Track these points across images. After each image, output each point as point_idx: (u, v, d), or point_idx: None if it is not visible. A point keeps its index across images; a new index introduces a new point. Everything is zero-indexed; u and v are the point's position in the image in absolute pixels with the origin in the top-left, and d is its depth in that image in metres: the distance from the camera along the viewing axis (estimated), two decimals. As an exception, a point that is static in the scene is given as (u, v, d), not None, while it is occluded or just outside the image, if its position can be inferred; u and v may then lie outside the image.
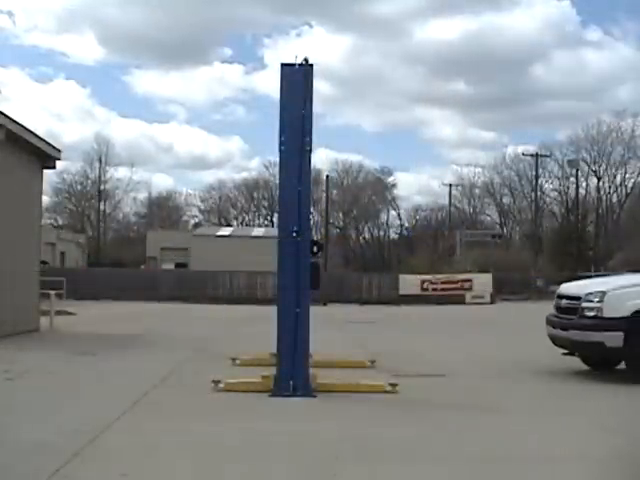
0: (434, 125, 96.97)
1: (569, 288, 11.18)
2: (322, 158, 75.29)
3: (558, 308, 11.01)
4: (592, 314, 10.11)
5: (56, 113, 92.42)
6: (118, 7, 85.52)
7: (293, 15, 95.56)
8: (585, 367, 11.13)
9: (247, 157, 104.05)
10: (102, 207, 67.47)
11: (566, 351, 10.96)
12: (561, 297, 11.03)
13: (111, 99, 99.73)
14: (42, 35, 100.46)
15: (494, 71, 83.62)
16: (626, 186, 59.98)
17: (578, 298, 10.46)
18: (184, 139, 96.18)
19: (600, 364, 10.86)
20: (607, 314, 9.97)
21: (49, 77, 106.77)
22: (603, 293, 10.15)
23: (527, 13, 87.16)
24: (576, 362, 11.01)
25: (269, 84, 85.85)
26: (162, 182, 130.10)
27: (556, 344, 10.90)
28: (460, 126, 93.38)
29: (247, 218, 76.23)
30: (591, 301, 10.18)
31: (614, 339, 9.81)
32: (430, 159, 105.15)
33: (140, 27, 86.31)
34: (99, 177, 66.03)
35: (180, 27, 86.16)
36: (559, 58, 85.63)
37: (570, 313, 10.58)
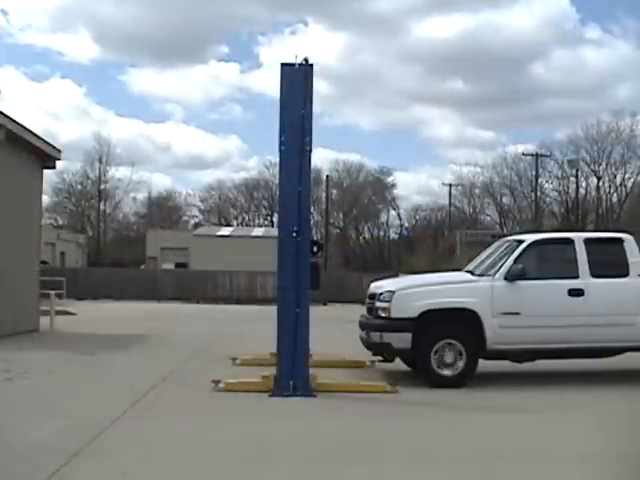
0: (432, 124, 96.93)
1: (372, 287, 10.75)
2: (322, 158, 75.39)
3: (367, 309, 10.68)
4: (383, 314, 9.94)
5: (52, 112, 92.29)
6: (112, 5, 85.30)
7: (289, 13, 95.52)
8: None
9: (245, 156, 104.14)
10: (102, 207, 67.49)
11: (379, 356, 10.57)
12: (368, 297, 10.69)
13: (107, 98, 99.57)
14: (37, 34, 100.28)
15: (492, 69, 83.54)
16: (626, 186, 59.98)
17: (374, 297, 10.27)
18: (181, 138, 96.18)
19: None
20: (395, 314, 9.79)
21: (45, 76, 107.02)
22: (392, 293, 9.94)
23: (526, 10, 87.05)
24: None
25: (265, 83, 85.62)
26: (160, 182, 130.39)
27: (365, 347, 10.49)
28: (458, 125, 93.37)
29: (247, 218, 76.24)
30: (382, 301, 10.00)
31: (402, 340, 9.64)
32: (429, 159, 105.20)
33: (135, 25, 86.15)
34: (99, 177, 66.05)
35: (175, 25, 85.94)
36: (558, 56, 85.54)
37: (370, 313, 10.38)
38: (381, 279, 11.30)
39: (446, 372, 9.63)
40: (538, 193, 55.50)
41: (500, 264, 10.16)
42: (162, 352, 13.34)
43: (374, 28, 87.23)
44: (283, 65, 9.09)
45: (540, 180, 56.57)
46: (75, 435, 6.61)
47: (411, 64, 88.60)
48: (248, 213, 77.17)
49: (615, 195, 61.09)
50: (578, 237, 10.41)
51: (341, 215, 73.79)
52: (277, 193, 10.94)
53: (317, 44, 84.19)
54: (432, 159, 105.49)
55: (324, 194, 58.78)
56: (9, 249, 15.38)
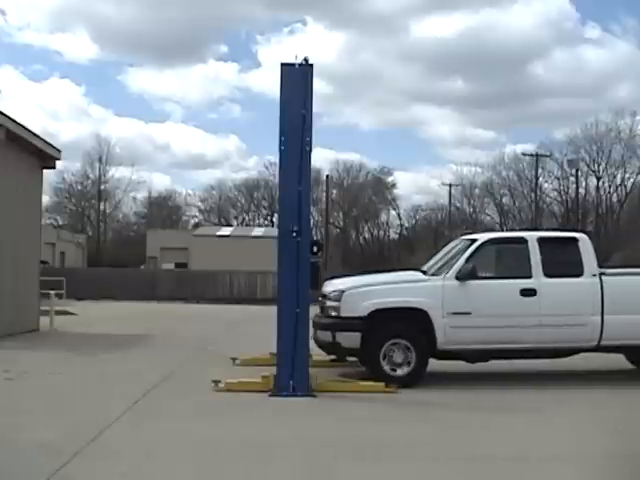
0: (432, 124, 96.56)
1: (325, 286, 10.63)
2: (322, 158, 75.37)
3: (319, 308, 10.53)
4: (333, 314, 9.91)
5: (51, 112, 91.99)
6: (111, 4, 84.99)
7: (288, 12, 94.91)
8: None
9: (244, 156, 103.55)
10: (102, 207, 67.47)
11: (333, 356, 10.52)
12: (321, 295, 10.54)
13: (106, 98, 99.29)
14: (35, 33, 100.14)
15: (492, 69, 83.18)
16: (626, 186, 59.94)
17: (326, 296, 10.23)
18: (180, 138, 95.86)
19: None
20: (344, 313, 9.75)
21: (43, 75, 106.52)
22: (341, 292, 9.90)
23: (525, 10, 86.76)
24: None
25: (265, 82, 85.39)
26: (159, 181, 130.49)
27: (317, 346, 10.26)
28: (458, 125, 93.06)
29: (247, 218, 76.16)
30: (332, 300, 9.97)
31: (351, 339, 9.60)
32: (428, 158, 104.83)
33: (133, 24, 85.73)
34: (99, 177, 66.04)
35: (173, 24, 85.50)
36: (558, 56, 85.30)
37: (322, 312, 10.33)
38: (337, 277, 11.18)
39: (396, 372, 9.55)
40: (538, 193, 55.50)
41: (452, 263, 10.11)
42: (162, 352, 13.34)
43: (374, 27, 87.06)
44: (283, 65, 9.09)
45: (540, 180, 56.62)
46: (75, 435, 6.62)
47: (411, 63, 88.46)
48: (248, 213, 77.13)
49: (615, 195, 61.04)
50: (532, 236, 10.34)
51: (341, 215, 73.74)
52: (277, 193, 10.93)
53: (316, 43, 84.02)
54: (432, 159, 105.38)
55: (324, 194, 58.78)
56: (9, 249, 15.38)
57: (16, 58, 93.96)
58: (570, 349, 10.12)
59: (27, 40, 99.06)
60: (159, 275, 41.90)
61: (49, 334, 16.65)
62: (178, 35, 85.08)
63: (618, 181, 60.27)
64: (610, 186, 60.66)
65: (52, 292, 19.09)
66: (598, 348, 10.07)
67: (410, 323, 9.71)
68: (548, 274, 9.94)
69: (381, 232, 77.13)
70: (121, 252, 61.50)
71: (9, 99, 74.13)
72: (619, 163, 59.67)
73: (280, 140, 9.01)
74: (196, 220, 76.73)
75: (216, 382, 9.09)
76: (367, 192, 74.46)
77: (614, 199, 61.08)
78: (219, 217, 76.21)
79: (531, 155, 55.96)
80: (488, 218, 68.70)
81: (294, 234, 8.83)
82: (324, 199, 58.86)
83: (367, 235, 77.54)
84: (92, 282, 36.59)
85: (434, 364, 10.86)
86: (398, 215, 75.59)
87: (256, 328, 17.38)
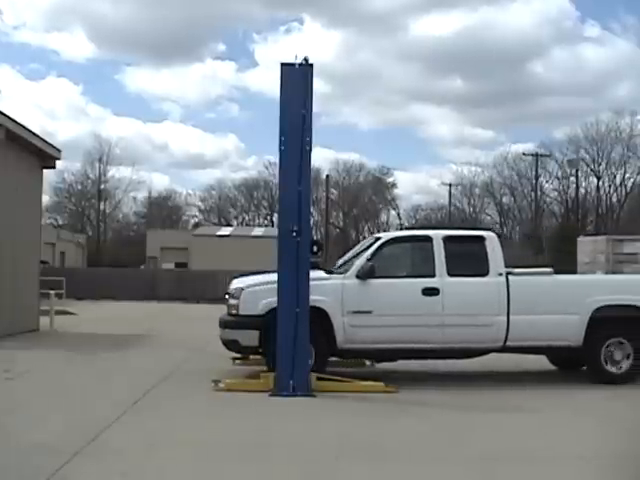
0: (431, 123, 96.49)
1: (231, 284, 10.58)
2: (322, 158, 75.36)
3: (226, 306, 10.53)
4: (234, 311, 9.92)
5: (49, 111, 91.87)
6: (107, 3, 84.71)
7: (286, 10, 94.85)
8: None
9: (243, 156, 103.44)
10: (102, 207, 67.47)
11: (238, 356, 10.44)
12: (226, 293, 10.56)
13: (104, 97, 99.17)
14: (31, 32, 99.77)
15: (491, 68, 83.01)
16: (626, 186, 59.93)
17: (229, 294, 10.24)
18: (179, 138, 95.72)
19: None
20: (243, 311, 9.76)
21: (41, 75, 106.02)
22: (241, 290, 9.90)
23: (525, 8, 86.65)
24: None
25: (263, 81, 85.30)
26: (158, 181, 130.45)
27: (222, 344, 10.28)
28: (457, 124, 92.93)
29: (247, 218, 76.18)
30: (233, 298, 9.97)
31: (249, 337, 9.60)
32: (428, 158, 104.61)
33: (130, 23, 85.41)
34: (99, 177, 66.04)
35: (170, 23, 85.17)
36: (557, 55, 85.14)
37: (227, 310, 10.32)
38: (245, 275, 11.13)
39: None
40: (538, 193, 55.50)
41: (354, 261, 10.05)
42: (162, 352, 13.34)
43: (372, 26, 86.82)
44: (283, 65, 9.10)
45: (540, 180, 56.58)
46: (75, 435, 6.62)
47: (409, 62, 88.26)
48: (248, 213, 77.14)
49: (615, 195, 61.03)
50: (437, 235, 10.22)
51: (341, 215, 73.75)
52: (277, 193, 10.92)
53: (314, 42, 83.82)
54: (431, 158, 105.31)
55: (324, 194, 58.80)
56: (9, 249, 15.38)
57: (13, 57, 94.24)
58: (476, 349, 9.98)
59: (24, 39, 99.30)
60: (159, 275, 41.87)
61: (49, 334, 16.65)
62: (175, 34, 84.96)
63: (618, 181, 60.29)
64: (610, 186, 60.67)
65: (52, 292, 19.09)
66: (504, 349, 9.97)
67: (309, 322, 9.59)
68: (452, 273, 9.82)
69: (381, 232, 77.09)
70: (121, 252, 61.47)
71: (7, 98, 74.22)
72: (619, 163, 59.70)
73: (280, 140, 9.01)
74: (196, 220, 76.76)
75: (216, 382, 9.09)
76: (367, 192, 74.47)
77: (614, 199, 61.09)
78: (219, 217, 76.21)
79: (531, 155, 55.94)
80: (488, 218, 68.70)
81: (294, 234, 8.83)
82: (324, 199, 58.89)
83: (367, 235, 77.57)
84: (92, 282, 36.55)
85: (434, 364, 10.88)
86: (398, 215, 75.64)
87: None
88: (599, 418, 7.95)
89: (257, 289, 9.87)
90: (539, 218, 56.15)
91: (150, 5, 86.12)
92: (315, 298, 9.37)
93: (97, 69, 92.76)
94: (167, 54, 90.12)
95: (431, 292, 9.70)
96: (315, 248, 9.42)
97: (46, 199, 56.33)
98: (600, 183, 60.46)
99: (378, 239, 10.39)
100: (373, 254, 9.91)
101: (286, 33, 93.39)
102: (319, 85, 76.62)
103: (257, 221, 74.95)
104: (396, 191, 75.90)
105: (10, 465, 5.68)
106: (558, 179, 61.60)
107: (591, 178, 60.59)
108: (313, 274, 10.13)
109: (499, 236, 10.65)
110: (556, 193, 62.48)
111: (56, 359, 11.96)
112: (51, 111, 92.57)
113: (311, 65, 9.03)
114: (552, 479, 5.81)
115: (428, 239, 10.12)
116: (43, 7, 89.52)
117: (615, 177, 60.38)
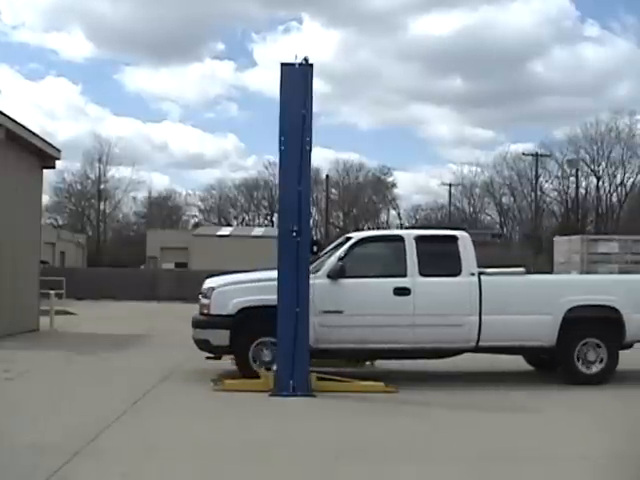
0: (431, 123, 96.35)
1: (204, 283, 10.57)
2: (321, 158, 75.37)
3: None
4: (205, 311, 9.93)
5: (48, 111, 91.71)
6: (105, 2, 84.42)
7: (284, 9, 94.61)
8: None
9: (243, 155, 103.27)
10: (102, 207, 67.46)
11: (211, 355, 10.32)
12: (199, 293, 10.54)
13: (103, 97, 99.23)
14: (30, 32, 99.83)
15: (491, 67, 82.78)
16: (626, 186, 59.94)
17: (201, 294, 10.24)
18: (178, 137, 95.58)
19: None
20: (214, 311, 9.76)
21: (40, 74, 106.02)
22: (212, 290, 9.90)
23: (524, 8, 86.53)
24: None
25: (262, 81, 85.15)
26: (158, 181, 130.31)
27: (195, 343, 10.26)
28: (457, 124, 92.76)
29: (247, 218, 76.18)
30: (204, 297, 9.98)
31: (220, 337, 9.59)
32: (428, 158, 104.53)
33: (128, 23, 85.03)
34: (99, 177, 66.03)
35: (169, 22, 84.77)
36: (557, 54, 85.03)
37: (199, 310, 10.31)
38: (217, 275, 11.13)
39: (265, 370, 9.41)
40: (538, 193, 55.49)
41: (326, 261, 10.01)
42: (162, 352, 13.33)
43: (371, 25, 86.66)
44: (283, 65, 9.10)
45: (540, 180, 56.58)
46: (75, 435, 6.61)
47: (409, 62, 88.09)
48: (248, 213, 77.12)
49: (615, 195, 61.04)
50: (409, 234, 10.20)
51: (341, 215, 73.75)
52: (277, 193, 10.92)
53: (313, 42, 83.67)
54: (431, 158, 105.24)
55: (324, 194, 58.80)
56: (9, 249, 15.38)
57: (12, 57, 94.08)
58: (448, 350, 9.93)
59: (22, 39, 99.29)
60: (159, 275, 41.85)
61: (49, 334, 16.65)
62: (174, 33, 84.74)
63: (618, 181, 60.30)
64: (610, 186, 60.68)
65: (52, 292, 19.09)
66: (477, 349, 9.93)
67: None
68: (424, 273, 9.77)
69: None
70: (121, 252, 61.45)
71: (6, 98, 74.10)
72: (619, 163, 59.71)
73: (280, 140, 9.01)
74: (196, 220, 76.75)
75: (216, 382, 9.09)
76: (367, 192, 74.47)
77: (614, 199, 61.09)
78: (219, 217, 76.20)
79: (531, 155, 55.91)
80: (488, 218, 68.72)
81: (294, 234, 8.83)
82: (324, 199, 58.89)
83: (367, 235, 77.47)
84: (92, 282, 36.53)
85: (434, 364, 10.88)
86: (398, 215, 75.63)
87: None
88: (599, 418, 7.95)
89: (228, 289, 9.89)
90: (539, 218, 56.15)
91: (148, 4, 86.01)
92: None
93: (96, 69, 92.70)
94: (166, 53, 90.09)
95: (402, 292, 9.66)
96: (315, 248, 9.43)
97: (46, 199, 56.37)
98: (600, 183, 60.49)
99: (349, 239, 10.35)
100: (344, 254, 9.85)
101: (285, 32, 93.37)
102: (318, 85, 75.82)
103: (257, 221, 74.94)
104: (396, 191, 75.93)
105: (10, 465, 5.68)
106: (558, 179, 61.63)
107: (591, 178, 60.63)
108: None
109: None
110: (556, 193, 62.51)
111: (56, 359, 11.96)
112: (50, 111, 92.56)
113: (311, 65, 9.04)
114: (552, 479, 5.81)
115: (400, 239, 10.12)
116: (41, 7, 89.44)
117: (615, 177, 60.41)
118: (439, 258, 10.09)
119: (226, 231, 59.68)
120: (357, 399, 8.68)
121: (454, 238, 10.14)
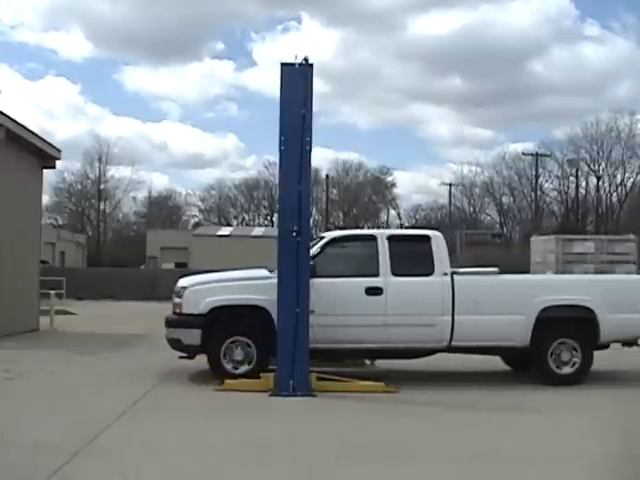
0: (430, 123, 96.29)
1: (177, 283, 10.56)
2: (321, 157, 75.33)
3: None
4: (177, 310, 9.96)
5: (47, 111, 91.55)
6: (104, 1, 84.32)
7: (283, 9, 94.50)
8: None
9: (243, 155, 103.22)
10: (102, 207, 67.46)
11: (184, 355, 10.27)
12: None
13: (102, 96, 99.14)
14: (29, 31, 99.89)
15: (490, 67, 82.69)
16: (626, 185, 59.96)
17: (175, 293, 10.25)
18: (178, 137, 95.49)
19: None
20: (186, 310, 9.78)
21: (39, 74, 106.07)
22: (184, 289, 9.92)
23: (524, 7, 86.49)
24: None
25: (261, 81, 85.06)
26: (157, 181, 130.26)
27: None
28: (456, 124, 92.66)
29: (247, 218, 76.18)
30: (177, 297, 10.00)
31: (191, 336, 9.60)
32: (427, 158, 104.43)
33: (127, 22, 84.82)
34: (99, 177, 66.02)
35: (168, 21, 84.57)
36: (557, 54, 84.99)
37: (172, 309, 10.31)
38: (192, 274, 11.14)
39: (238, 369, 9.46)
40: (538, 193, 55.50)
41: None
42: (162, 352, 13.29)
43: (370, 25, 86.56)
44: (283, 65, 9.10)
45: (540, 180, 56.58)
46: (75, 434, 6.62)
47: (408, 62, 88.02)
48: (248, 213, 77.13)
49: (615, 195, 61.05)
50: (381, 234, 10.18)
51: (341, 215, 73.77)
52: (277, 193, 10.92)
53: (313, 41, 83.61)
54: (431, 158, 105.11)
55: (324, 194, 58.80)
56: (9, 249, 15.38)
57: (11, 57, 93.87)
58: (421, 349, 9.90)
59: (21, 38, 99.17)
60: (159, 275, 41.80)
61: (49, 334, 16.65)
62: (173, 33, 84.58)
63: (618, 181, 60.31)
64: (610, 186, 60.68)
65: (52, 292, 19.10)
66: (450, 349, 9.90)
67: (250, 321, 9.58)
68: (396, 273, 9.73)
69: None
70: (121, 252, 61.45)
71: (5, 98, 74.03)
72: (619, 163, 59.71)
73: (280, 140, 9.01)
74: (196, 220, 76.75)
75: (216, 382, 9.08)
76: (367, 192, 74.49)
77: (614, 199, 61.11)
78: (219, 217, 76.21)
79: (531, 155, 55.90)
80: (488, 218, 68.74)
81: (294, 234, 8.83)
82: (324, 199, 58.90)
83: (367, 235, 77.43)
84: (92, 282, 36.53)
85: (434, 364, 10.88)
86: (398, 215, 75.66)
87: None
88: (597, 417, 7.94)
89: (199, 288, 9.91)
90: (539, 218, 56.14)
91: (148, 4, 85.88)
92: (256, 297, 9.47)
93: (95, 68, 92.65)
94: (165, 53, 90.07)
95: (374, 292, 9.63)
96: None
97: (46, 199, 56.35)
98: (600, 183, 60.50)
99: (322, 238, 10.35)
100: (316, 253, 9.80)
101: (284, 32, 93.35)
102: (318, 84, 75.57)
103: (257, 221, 74.95)
104: (396, 191, 75.95)
105: (10, 465, 5.68)
106: (558, 179, 61.65)
107: (591, 178, 60.64)
108: (255, 273, 10.20)
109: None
110: (556, 193, 62.54)
111: (56, 359, 11.95)
112: (50, 111, 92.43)
113: (311, 65, 9.04)
114: (553, 479, 5.81)
115: (372, 238, 10.10)
116: (40, 6, 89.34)
117: (615, 177, 60.42)
118: (412, 258, 10.03)
119: (226, 231, 59.71)
120: (357, 399, 8.68)
121: (427, 238, 10.13)
